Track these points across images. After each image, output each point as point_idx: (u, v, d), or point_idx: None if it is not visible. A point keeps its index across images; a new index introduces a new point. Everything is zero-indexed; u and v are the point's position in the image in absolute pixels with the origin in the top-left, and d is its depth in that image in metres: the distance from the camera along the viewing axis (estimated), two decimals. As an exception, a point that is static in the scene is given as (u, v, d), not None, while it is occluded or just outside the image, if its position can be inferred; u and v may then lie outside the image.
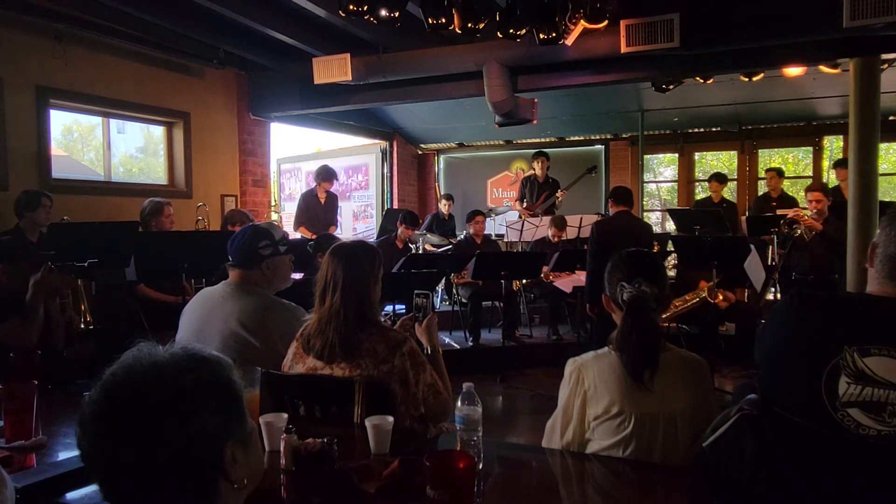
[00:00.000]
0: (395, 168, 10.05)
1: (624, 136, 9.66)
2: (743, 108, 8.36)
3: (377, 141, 9.95)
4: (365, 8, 4.41)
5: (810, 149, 9.35)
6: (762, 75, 6.45)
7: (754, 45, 5.18)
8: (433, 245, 7.67)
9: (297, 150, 11.97)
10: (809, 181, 8.56)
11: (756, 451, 1.40)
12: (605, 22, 4.65)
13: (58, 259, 3.02)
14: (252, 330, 2.33)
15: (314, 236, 6.59)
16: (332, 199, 7.15)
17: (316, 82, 6.04)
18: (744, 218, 6.60)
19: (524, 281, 6.99)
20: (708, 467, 1.55)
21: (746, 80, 6.58)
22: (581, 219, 7.25)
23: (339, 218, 7.49)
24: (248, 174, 7.32)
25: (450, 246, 7.50)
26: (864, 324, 1.36)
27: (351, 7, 4.41)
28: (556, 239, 6.97)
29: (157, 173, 6.83)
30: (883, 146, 7.26)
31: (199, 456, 0.91)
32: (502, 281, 6.22)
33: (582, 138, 9.94)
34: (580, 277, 5.99)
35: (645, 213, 10.06)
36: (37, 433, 1.82)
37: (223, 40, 6.14)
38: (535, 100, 6.15)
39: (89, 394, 0.91)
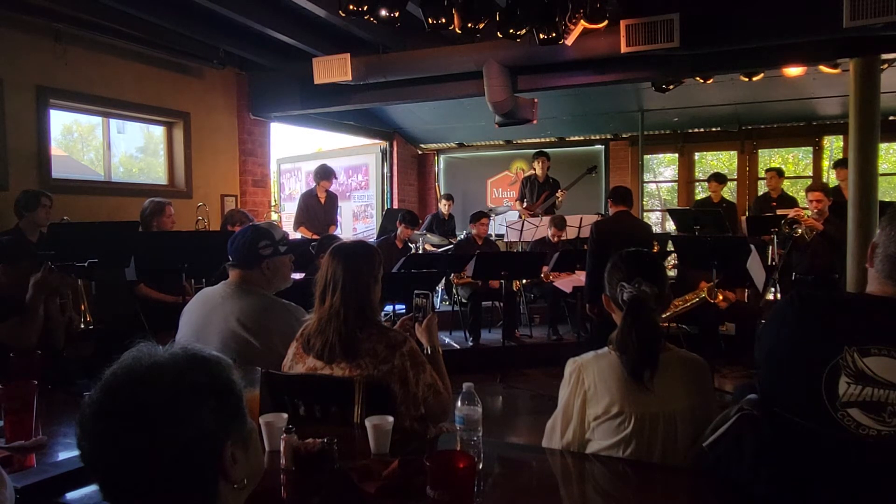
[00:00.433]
0: (395, 168, 10.06)
1: (624, 136, 9.66)
2: (743, 108, 8.36)
3: (377, 141, 9.95)
4: (365, 8, 4.41)
5: (810, 149, 9.35)
6: (762, 75, 6.46)
7: (754, 45, 5.18)
8: (433, 245, 7.67)
9: (297, 150, 11.99)
10: (809, 181, 8.57)
11: (756, 451, 1.40)
12: (605, 22, 4.65)
13: (58, 259, 3.02)
14: (252, 330, 2.33)
15: (314, 236, 6.60)
16: (332, 199, 7.15)
17: (316, 82, 6.04)
18: (744, 218, 6.60)
19: (524, 281, 6.99)
20: (708, 467, 1.55)
21: (746, 80, 6.58)
22: (581, 219, 7.25)
23: (339, 218, 7.49)
24: (248, 174, 7.33)
25: (450, 246, 7.50)
26: (864, 324, 1.36)
27: (351, 7, 4.41)
28: (555, 239, 6.97)
29: (157, 173, 6.83)
30: (883, 146, 7.26)
31: (198, 456, 0.91)
32: (501, 281, 6.23)
33: (582, 138, 9.95)
34: (580, 277, 5.99)
35: (645, 213, 10.07)
36: (37, 433, 1.82)
37: (223, 40, 6.14)
38: (535, 100, 6.15)
39: (89, 394, 0.91)
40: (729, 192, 8.98)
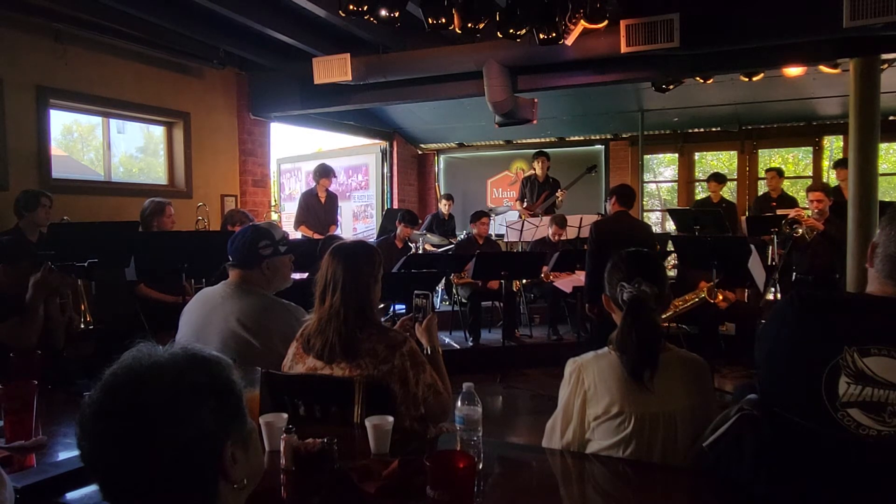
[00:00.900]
0: (395, 168, 10.06)
1: (624, 136, 9.66)
2: (743, 108, 8.36)
3: (377, 141, 9.95)
4: (365, 8, 4.41)
5: (810, 149, 9.35)
6: (762, 75, 6.45)
7: (754, 45, 5.18)
8: (433, 245, 7.67)
9: (297, 150, 12.00)
10: (809, 181, 8.57)
11: (756, 451, 1.40)
12: (605, 22, 4.65)
13: (58, 259, 3.02)
14: (252, 330, 2.33)
15: (316, 235, 6.61)
16: (333, 199, 7.17)
17: (316, 82, 6.04)
18: (744, 218, 6.60)
19: (524, 281, 6.99)
20: (708, 467, 1.55)
21: (746, 80, 6.58)
22: (581, 219, 7.25)
23: (339, 218, 7.50)
24: (248, 174, 7.33)
25: (450, 246, 7.50)
26: (863, 324, 1.35)
27: (351, 7, 4.41)
28: (556, 237, 6.97)
29: (157, 173, 6.83)
30: (883, 146, 7.26)
31: (198, 456, 0.91)
32: (501, 281, 6.23)
33: (582, 138, 9.95)
34: (580, 277, 5.98)
35: (645, 213, 10.07)
36: (37, 433, 1.82)
37: (223, 40, 6.14)
38: (535, 100, 6.15)
39: (89, 394, 0.91)
40: (729, 192, 8.98)
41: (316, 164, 7.22)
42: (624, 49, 5.04)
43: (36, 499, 1.44)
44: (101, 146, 6.24)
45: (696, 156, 10.08)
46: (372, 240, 7.57)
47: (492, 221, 7.39)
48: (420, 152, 10.74)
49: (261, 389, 1.97)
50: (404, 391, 2.03)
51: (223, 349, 2.23)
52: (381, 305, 5.01)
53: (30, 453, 1.74)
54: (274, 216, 8.13)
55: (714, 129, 9.26)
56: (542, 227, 7.29)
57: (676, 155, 9.84)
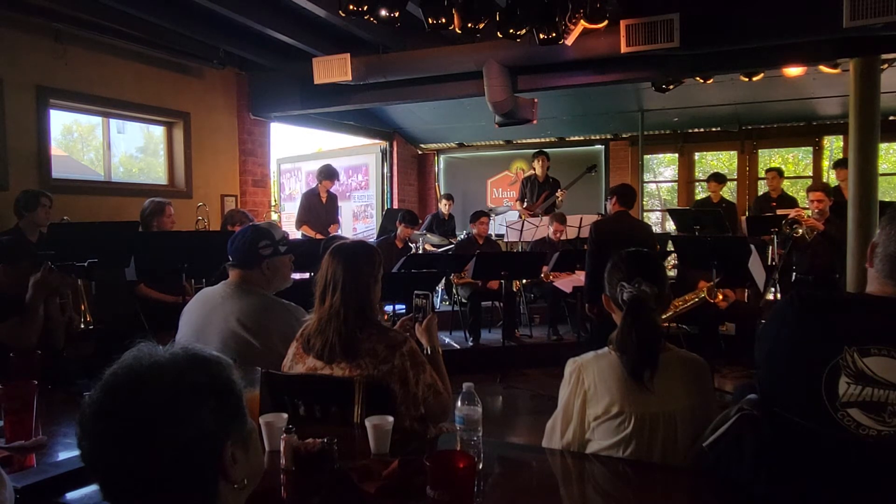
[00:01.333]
0: (395, 168, 10.06)
1: (624, 136, 9.66)
2: (743, 108, 8.36)
3: (377, 141, 9.95)
4: (365, 8, 4.41)
5: (810, 149, 9.35)
6: (762, 75, 6.45)
7: (754, 45, 5.18)
8: (433, 245, 7.67)
9: (297, 150, 11.99)
10: (809, 181, 8.57)
11: (756, 451, 1.40)
12: (605, 22, 4.65)
13: (58, 259, 3.02)
14: (252, 330, 2.33)
15: (317, 235, 6.62)
16: (333, 199, 7.19)
17: (316, 82, 6.04)
18: (744, 218, 6.60)
19: (524, 281, 6.99)
20: (708, 467, 1.55)
21: (746, 80, 6.58)
22: (581, 219, 7.25)
23: (339, 217, 7.51)
24: (248, 174, 7.33)
25: (450, 246, 7.50)
26: (863, 324, 1.35)
27: (351, 7, 4.41)
28: (557, 235, 6.96)
29: (157, 173, 6.83)
30: (883, 146, 7.26)
31: (199, 456, 0.91)
32: (501, 281, 6.23)
33: (582, 138, 9.95)
34: (580, 277, 5.98)
35: (645, 213, 10.07)
36: (37, 433, 1.82)
37: (223, 40, 6.14)
38: (535, 100, 6.15)
39: (89, 394, 0.91)
40: (729, 192, 8.98)
41: (318, 164, 7.23)
42: (624, 49, 5.04)
43: (36, 499, 1.44)
44: (101, 146, 6.24)
45: (696, 156, 10.08)
46: (372, 240, 7.57)
47: (492, 221, 7.39)
48: (420, 152, 10.74)
49: (261, 389, 1.97)
50: (404, 391, 2.03)
51: (223, 349, 2.23)
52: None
53: (30, 453, 1.74)
54: (274, 216, 8.14)
55: (714, 129, 9.26)
56: (542, 227, 7.29)
57: (676, 155, 9.84)
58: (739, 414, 1.46)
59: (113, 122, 6.26)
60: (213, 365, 0.97)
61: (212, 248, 3.87)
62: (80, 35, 5.46)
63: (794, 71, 6.41)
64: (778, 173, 7.20)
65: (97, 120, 6.19)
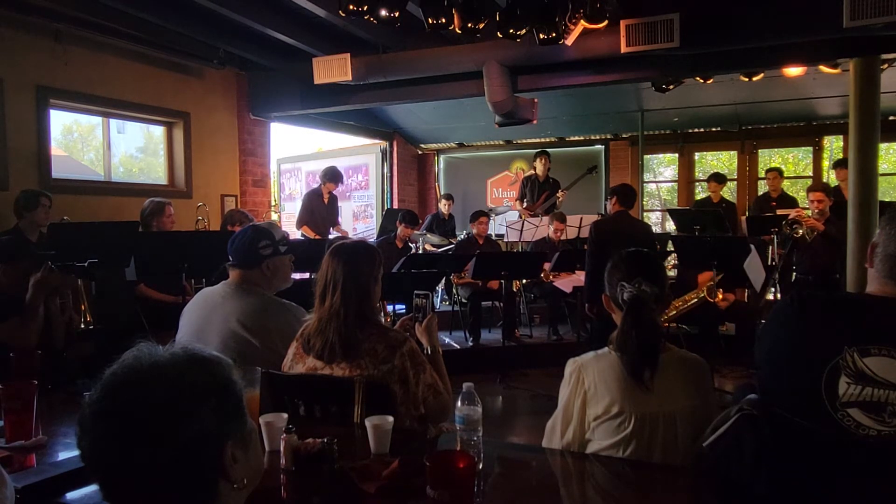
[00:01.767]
0: (395, 168, 10.05)
1: (624, 136, 9.66)
2: (743, 108, 8.36)
3: (377, 141, 9.95)
4: (365, 8, 4.41)
5: (810, 149, 9.35)
6: (762, 75, 6.45)
7: (754, 45, 5.17)
8: (433, 245, 7.67)
9: (297, 150, 11.99)
10: (809, 181, 8.57)
11: (756, 451, 1.40)
12: (605, 22, 4.64)
13: (58, 259, 3.02)
14: (252, 330, 2.33)
15: (316, 236, 6.63)
16: (334, 200, 7.23)
17: (316, 82, 6.04)
18: (744, 218, 6.60)
19: (524, 281, 6.99)
20: (708, 467, 1.55)
21: (746, 80, 6.57)
22: (581, 219, 7.25)
23: (339, 218, 7.53)
24: (248, 174, 7.33)
25: (450, 246, 7.51)
26: (863, 324, 1.36)
27: (351, 7, 4.41)
28: (558, 234, 6.96)
29: (157, 173, 6.83)
30: (883, 146, 7.26)
31: (198, 456, 0.91)
32: (501, 281, 6.23)
33: (582, 138, 9.94)
34: (580, 277, 5.98)
35: (645, 213, 10.06)
36: (37, 433, 1.82)
37: (223, 40, 6.13)
38: (535, 100, 6.15)
39: (89, 394, 0.91)
40: (729, 192, 8.98)
41: (318, 165, 7.25)
42: (624, 49, 5.04)
43: (36, 499, 1.44)
44: (101, 146, 6.24)
45: (696, 156, 10.07)
46: (372, 240, 7.57)
47: (492, 221, 7.39)
48: (420, 152, 10.73)
49: (261, 389, 1.97)
50: (404, 391, 2.03)
51: (223, 349, 2.23)
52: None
53: (30, 453, 1.74)
54: (274, 216, 8.14)
55: (714, 129, 9.26)
56: (542, 227, 7.30)
57: (676, 155, 9.83)
58: (739, 414, 1.46)
59: (113, 122, 6.26)
60: (213, 365, 0.97)
61: (212, 248, 3.87)
62: (80, 35, 5.46)
63: (794, 71, 6.41)
64: (778, 173, 7.20)
65: (97, 120, 6.19)
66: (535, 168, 7.91)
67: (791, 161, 13.06)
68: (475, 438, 1.59)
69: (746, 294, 6.24)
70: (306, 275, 4.49)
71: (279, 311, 2.42)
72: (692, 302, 4.97)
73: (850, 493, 1.32)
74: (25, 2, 5.01)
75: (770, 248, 5.69)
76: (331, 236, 6.86)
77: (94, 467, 0.90)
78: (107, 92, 5.82)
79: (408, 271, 5.50)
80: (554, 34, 4.71)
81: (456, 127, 9.73)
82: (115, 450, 0.88)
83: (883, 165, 10.07)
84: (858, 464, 1.32)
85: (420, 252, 7.10)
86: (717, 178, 7.40)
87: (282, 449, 1.47)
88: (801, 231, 5.33)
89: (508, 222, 7.61)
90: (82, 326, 3.52)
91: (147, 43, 5.89)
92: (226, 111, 7.07)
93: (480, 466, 1.57)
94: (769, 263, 5.54)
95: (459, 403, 1.60)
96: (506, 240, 7.80)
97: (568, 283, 6.31)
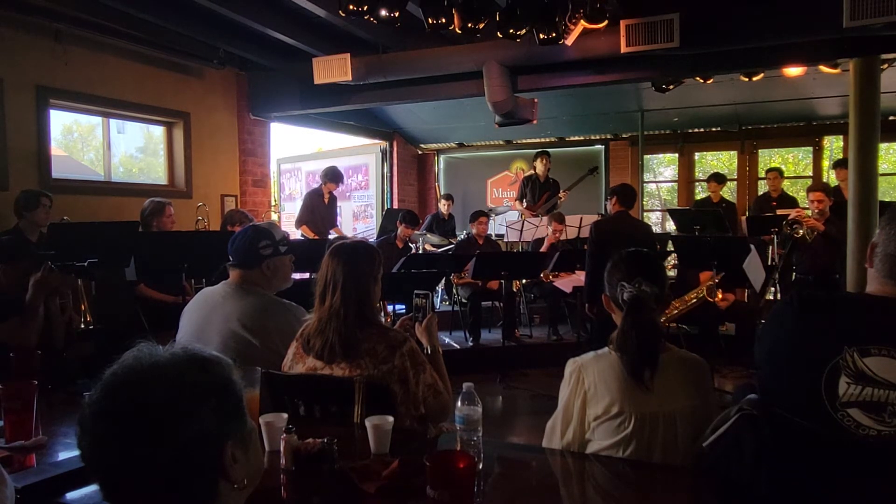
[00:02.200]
0: (395, 168, 10.05)
1: (624, 136, 9.66)
2: (743, 108, 8.36)
3: (377, 141, 9.95)
4: (365, 8, 4.41)
5: (810, 149, 9.35)
6: (762, 75, 6.45)
7: (754, 45, 5.17)
8: (433, 245, 7.67)
9: (297, 150, 12.00)
10: (809, 181, 8.57)
11: (756, 451, 1.40)
12: (605, 22, 4.64)
13: (58, 259, 3.02)
14: (252, 330, 2.33)
15: (314, 236, 6.63)
16: (333, 200, 7.25)
17: (316, 82, 6.04)
18: (744, 218, 6.60)
19: (524, 281, 6.99)
20: (708, 467, 1.55)
21: (746, 80, 6.57)
22: (581, 219, 7.25)
23: (339, 219, 7.53)
24: (248, 174, 7.33)
25: (450, 246, 7.51)
26: (863, 324, 1.36)
27: (351, 7, 4.41)
28: (557, 234, 6.95)
29: (157, 173, 6.83)
30: (883, 146, 7.26)
31: (199, 456, 0.91)
32: (501, 281, 6.23)
33: (582, 138, 9.94)
34: (580, 277, 5.98)
35: (645, 213, 10.06)
36: (37, 433, 1.82)
37: (223, 40, 6.13)
38: (535, 100, 6.15)
39: (89, 394, 0.91)
40: (729, 192, 8.98)
41: (318, 165, 7.26)
42: (624, 49, 5.04)
43: (36, 499, 1.44)
44: (101, 146, 6.24)
45: (696, 156, 10.07)
46: (372, 240, 7.57)
47: (491, 221, 7.39)
48: (420, 152, 10.73)
49: (261, 389, 1.97)
50: (404, 391, 2.03)
51: (223, 349, 2.23)
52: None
53: (30, 453, 1.74)
54: (274, 216, 8.14)
55: (714, 129, 9.26)
56: (541, 227, 7.30)
57: (676, 155, 9.83)
58: (739, 414, 1.46)
59: (113, 122, 6.26)
60: (213, 365, 0.97)
61: (212, 249, 3.87)
62: (80, 35, 5.46)
63: (794, 71, 6.41)
64: (778, 173, 7.21)
65: (97, 120, 6.19)
66: (535, 168, 7.91)
67: (791, 161, 13.05)
68: (475, 438, 1.59)
69: (746, 294, 6.24)
70: (306, 275, 4.48)
71: (279, 311, 2.42)
72: (692, 302, 4.97)
73: (850, 493, 1.32)
74: (25, 2, 5.01)
75: (770, 248, 5.69)
76: (330, 237, 6.87)
77: (94, 467, 0.90)
78: (107, 92, 5.82)
79: (408, 271, 5.50)
80: (554, 34, 4.71)
81: (456, 127, 9.73)
82: (115, 450, 0.88)
83: (883, 165, 10.06)
84: (858, 464, 1.32)
85: (420, 252, 7.10)
86: (717, 178, 7.40)
87: (282, 449, 1.47)
88: (801, 231, 5.33)
89: (508, 222, 7.61)
90: (82, 326, 3.52)
91: (147, 43, 5.88)
92: (226, 111, 7.07)
93: (480, 466, 1.57)
94: (769, 263, 5.54)
95: (459, 403, 1.60)
96: (506, 240, 7.80)
97: (568, 283, 6.31)
